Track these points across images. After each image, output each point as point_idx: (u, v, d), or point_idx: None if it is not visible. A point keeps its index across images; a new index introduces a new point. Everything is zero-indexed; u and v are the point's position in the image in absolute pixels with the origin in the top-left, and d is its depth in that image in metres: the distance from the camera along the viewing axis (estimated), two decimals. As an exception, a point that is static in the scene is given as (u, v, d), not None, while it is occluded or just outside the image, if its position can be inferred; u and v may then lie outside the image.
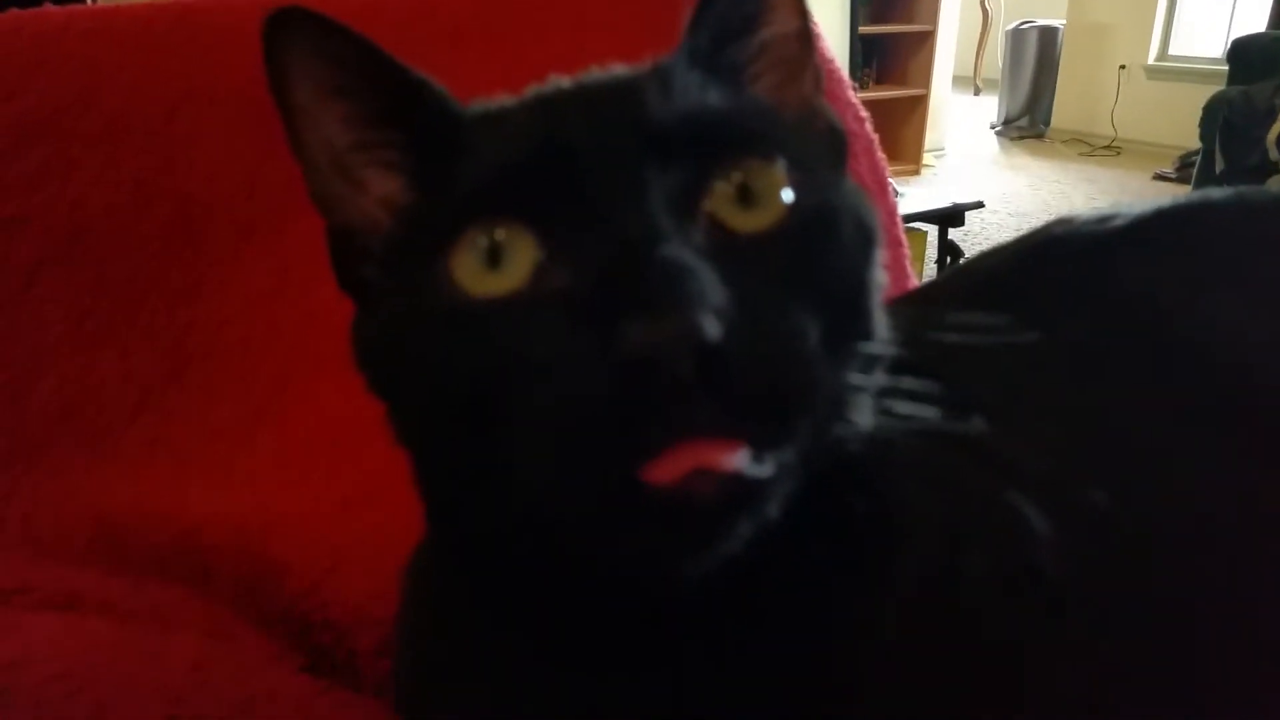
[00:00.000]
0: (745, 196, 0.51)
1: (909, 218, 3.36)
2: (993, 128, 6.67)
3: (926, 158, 5.51)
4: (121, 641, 0.68)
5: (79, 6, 1.04)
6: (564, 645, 0.53)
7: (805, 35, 0.61)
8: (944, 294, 0.82)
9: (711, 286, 0.44)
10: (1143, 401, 0.64)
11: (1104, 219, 0.78)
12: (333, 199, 0.57)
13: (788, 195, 0.52)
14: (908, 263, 1.07)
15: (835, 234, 0.53)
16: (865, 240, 0.56)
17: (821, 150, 0.60)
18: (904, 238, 1.09)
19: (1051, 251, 0.79)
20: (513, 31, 1.03)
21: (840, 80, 1.14)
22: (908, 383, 0.53)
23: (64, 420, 0.89)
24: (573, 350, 0.45)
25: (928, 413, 0.53)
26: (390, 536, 0.62)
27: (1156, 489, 0.59)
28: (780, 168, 0.53)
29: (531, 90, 0.58)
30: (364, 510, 0.80)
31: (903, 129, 5.40)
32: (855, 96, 1.14)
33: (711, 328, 0.42)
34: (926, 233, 3.63)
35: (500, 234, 0.49)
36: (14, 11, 1.00)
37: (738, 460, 0.44)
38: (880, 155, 1.12)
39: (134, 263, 0.95)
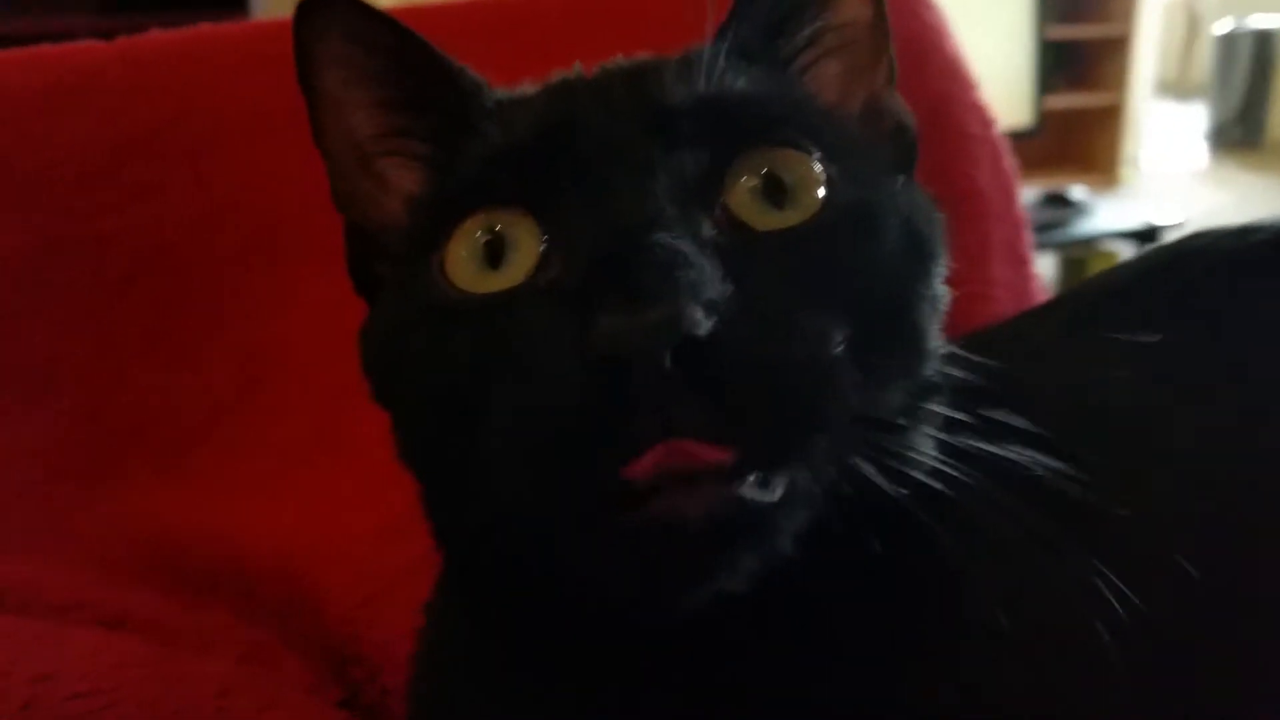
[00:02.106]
0: (774, 191, 0.47)
1: (1099, 236, 3.17)
2: (1205, 138, 6.26)
3: (1124, 170, 5.21)
4: (154, 662, 0.69)
5: (183, 30, 1.10)
6: (569, 681, 0.50)
7: (878, 25, 0.57)
8: (1050, 316, 0.75)
9: (708, 278, 0.41)
10: (1257, 453, 0.56)
11: (1247, 231, 0.70)
12: (352, 192, 0.57)
13: (822, 192, 0.48)
14: (1033, 284, 0.99)
15: (873, 234, 0.49)
16: (916, 248, 0.51)
17: (881, 149, 0.56)
18: (1030, 256, 1.01)
19: (1179, 268, 0.71)
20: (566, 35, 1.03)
21: (964, 80, 1.07)
22: (984, 417, 0.48)
23: (137, 437, 0.93)
24: (550, 344, 0.42)
25: (1004, 452, 0.47)
26: (432, 569, 0.61)
27: (1260, 565, 0.51)
28: (814, 161, 0.49)
29: (554, 75, 0.56)
30: (406, 539, 0.79)
31: (1097, 138, 5.12)
32: (981, 99, 1.07)
33: (698, 319, 0.38)
34: (1117, 253, 3.41)
35: (500, 223, 0.47)
36: (124, 38, 1.06)
37: (723, 467, 0.40)
38: (1008, 162, 1.05)
39: (213, 280, 0.99)
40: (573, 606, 0.48)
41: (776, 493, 0.42)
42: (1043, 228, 2.67)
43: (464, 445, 0.45)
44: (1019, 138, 2.91)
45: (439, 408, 0.47)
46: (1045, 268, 3.12)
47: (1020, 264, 0.98)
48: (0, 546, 0.84)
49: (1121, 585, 0.45)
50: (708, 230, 0.46)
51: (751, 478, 0.41)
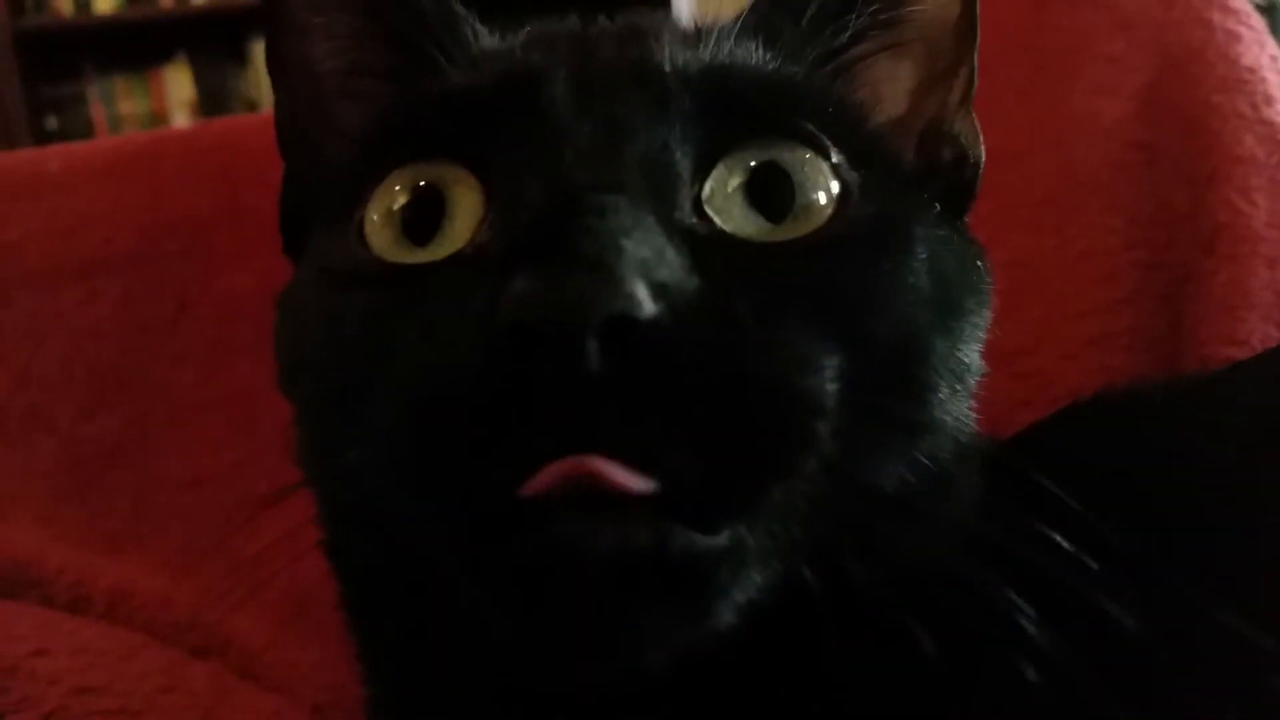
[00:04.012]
0: (770, 194, 0.39)
1: None
2: None
3: None
4: (202, 693, 0.72)
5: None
6: None
7: (965, 30, 0.48)
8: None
9: (667, 260, 0.34)
10: None
11: None
12: (299, 133, 0.53)
13: (828, 197, 0.40)
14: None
15: (888, 260, 0.40)
16: (941, 297, 0.41)
17: (930, 180, 0.46)
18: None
19: None
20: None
21: (1255, 95, 0.85)
22: (1035, 517, 0.37)
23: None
24: (454, 317, 0.36)
25: (1056, 566, 0.35)
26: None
27: None
28: (829, 164, 0.40)
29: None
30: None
31: None
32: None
33: (638, 297, 0.31)
34: None
35: (437, 181, 0.42)
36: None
37: (644, 500, 0.32)
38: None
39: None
40: (456, 668, 0.43)
41: (719, 539, 0.33)
42: None
43: (345, 442, 0.39)
44: None
45: (326, 393, 0.42)
46: None
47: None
48: (178, 560, 0.92)
49: None
50: (684, 216, 0.38)
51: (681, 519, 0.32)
